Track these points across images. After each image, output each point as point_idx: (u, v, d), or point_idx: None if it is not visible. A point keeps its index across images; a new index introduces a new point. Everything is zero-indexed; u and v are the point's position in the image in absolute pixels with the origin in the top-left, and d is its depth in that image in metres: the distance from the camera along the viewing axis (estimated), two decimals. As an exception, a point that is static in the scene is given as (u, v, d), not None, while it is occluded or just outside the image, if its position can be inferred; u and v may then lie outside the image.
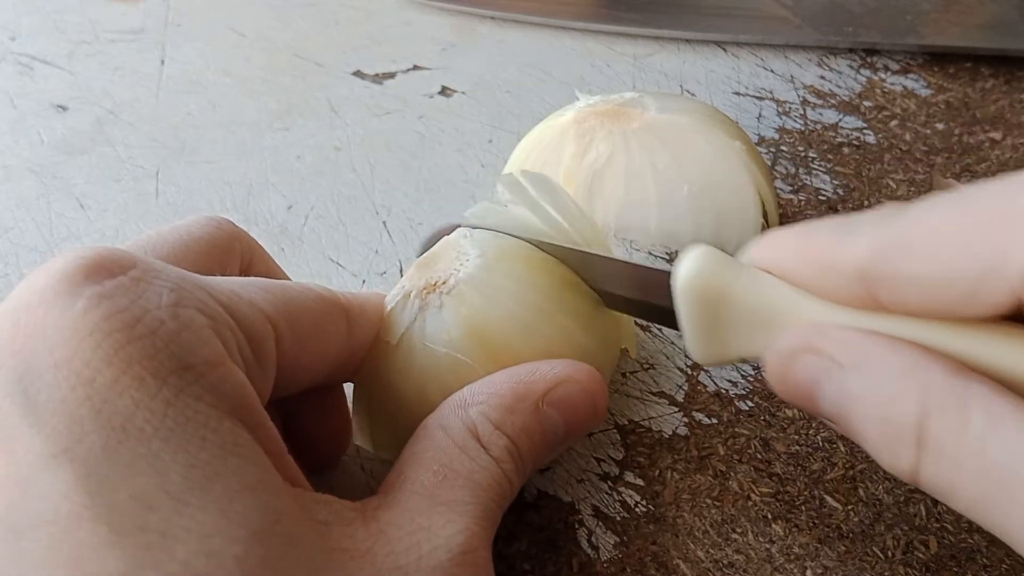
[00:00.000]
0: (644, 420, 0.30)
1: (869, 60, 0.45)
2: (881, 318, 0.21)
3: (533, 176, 0.29)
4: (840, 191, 0.38)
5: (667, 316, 0.25)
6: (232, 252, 0.26)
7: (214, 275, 0.23)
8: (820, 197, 0.37)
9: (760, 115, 0.42)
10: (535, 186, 0.29)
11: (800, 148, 0.40)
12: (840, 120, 0.41)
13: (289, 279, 0.29)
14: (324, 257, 0.36)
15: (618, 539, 0.27)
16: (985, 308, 0.19)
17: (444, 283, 0.27)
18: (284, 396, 0.25)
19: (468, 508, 0.22)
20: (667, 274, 0.24)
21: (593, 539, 0.27)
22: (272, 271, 0.29)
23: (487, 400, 0.24)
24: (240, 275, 0.26)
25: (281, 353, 0.22)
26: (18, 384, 0.18)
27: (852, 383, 0.21)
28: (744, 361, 0.25)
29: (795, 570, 0.26)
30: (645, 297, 0.26)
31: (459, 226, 0.29)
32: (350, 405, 0.28)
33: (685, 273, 0.23)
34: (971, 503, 0.19)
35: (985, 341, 0.20)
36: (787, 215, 0.37)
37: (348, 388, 0.29)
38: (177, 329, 0.19)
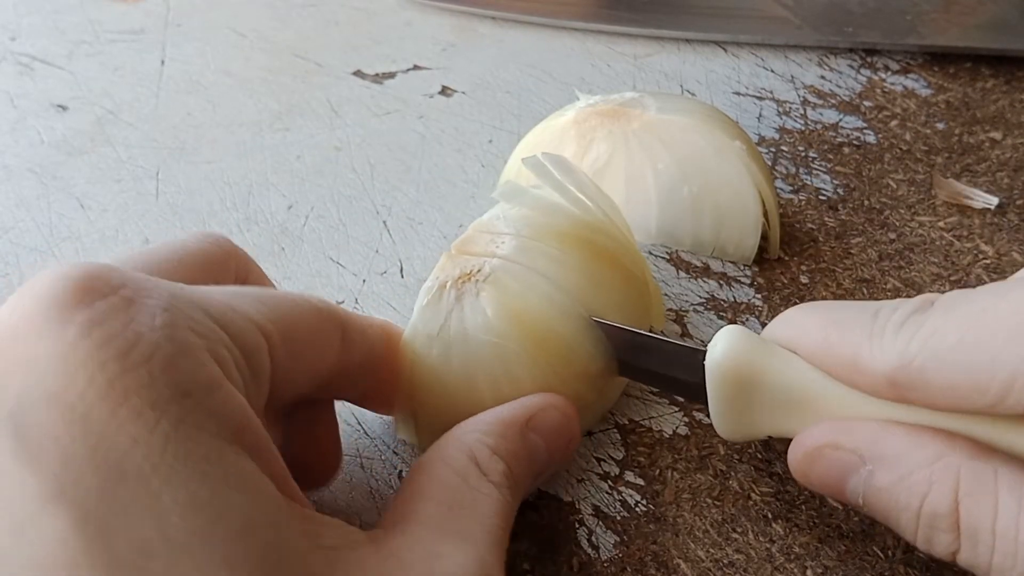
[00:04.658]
0: (644, 420, 0.30)
1: (869, 60, 0.45)
2: (908, 409, 0.22)
3: (553, 157, 0.29)
4: (840, 191, 0.38)
5: (692, 390, 0.26)
6: (227, 269, 0.26)
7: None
8: (820, 197, 0.37)
9: (760, 115, 0.42)
10: (556, 167, 0.29)
11: (800, 148, 0.40)
12: (840, 120, 0.41)
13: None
14: (324, 257, 0.36)
15: (618, 538, 0.27)
16: (1013, 409, 0.20)
17: (479, 271, 0.27)
18: (276, 409, 0.25)
19: (478, 537, 0.22)
20: (698, 352, 0.25)
21: (593, 539, 0.27)
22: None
23: (480, 428, 0.25)
24: None
25: (274, 364, 0.22)
26: (9, 420, 0.17)
27: (879, 477, 0.22)
28: (771, 438, 0.26)
29: (795, 569, 0.26)
30: (673, 372, 0.26)
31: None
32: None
33: (720, 354, 0.24)
34: None
35: (1007, 426, 0.21)
36: (787, 215, 0.37)
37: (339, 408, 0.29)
38: (173, 354, 0.18)
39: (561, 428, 0.26)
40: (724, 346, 0.24)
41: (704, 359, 0.24)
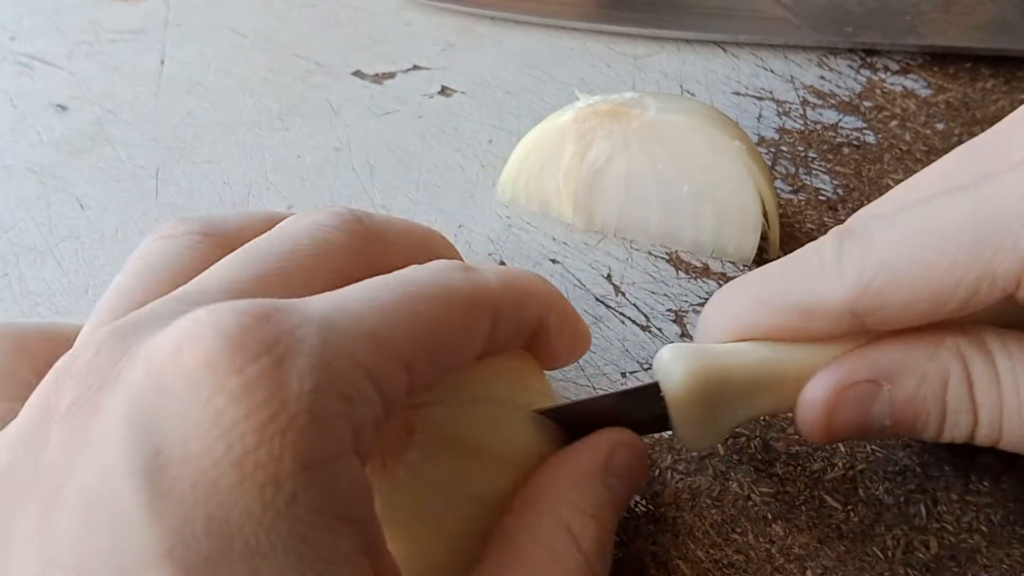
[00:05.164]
0: (644, 420, 0.30)
1: (869, 60, 0.45)
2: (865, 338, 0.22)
3: None
4: (840, 191, 0.38)
5: (652, 425, 0.24)
6: (367, 266, 0.23)
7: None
8: (820, 197, 0.38)
9: (760, 115, 0.42)
10: None
11: (800, 148, 0.40)
12: (840, 120, 0.41)
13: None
14: (324, 257, 0.36)
15: (618, 539, 0.27)
16: (973, 309, 0.20)
17: None
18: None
19: None
20: (650, 387, 0.24)
21: (593, 539, 0.27)
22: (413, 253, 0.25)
23: (568, 488, 0.22)
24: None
25: (411, 386, 0.20)
26: (148, 469, 0.17)
27: (900, 390, 0.22)
28: (740, 427, 0.26)
29: (795, 570, 0.26)
30: (635, 416, 0.25)
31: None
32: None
33: (677, 378, 0.23)
34: (1020, 440, 0.21)
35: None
36: (787, 215, 0.37)
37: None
38: (307, 425, 0.17)
39: (635, 464, 0.24)
40: (678, 370, 0.23)
41: (659, 391, 0.24)
